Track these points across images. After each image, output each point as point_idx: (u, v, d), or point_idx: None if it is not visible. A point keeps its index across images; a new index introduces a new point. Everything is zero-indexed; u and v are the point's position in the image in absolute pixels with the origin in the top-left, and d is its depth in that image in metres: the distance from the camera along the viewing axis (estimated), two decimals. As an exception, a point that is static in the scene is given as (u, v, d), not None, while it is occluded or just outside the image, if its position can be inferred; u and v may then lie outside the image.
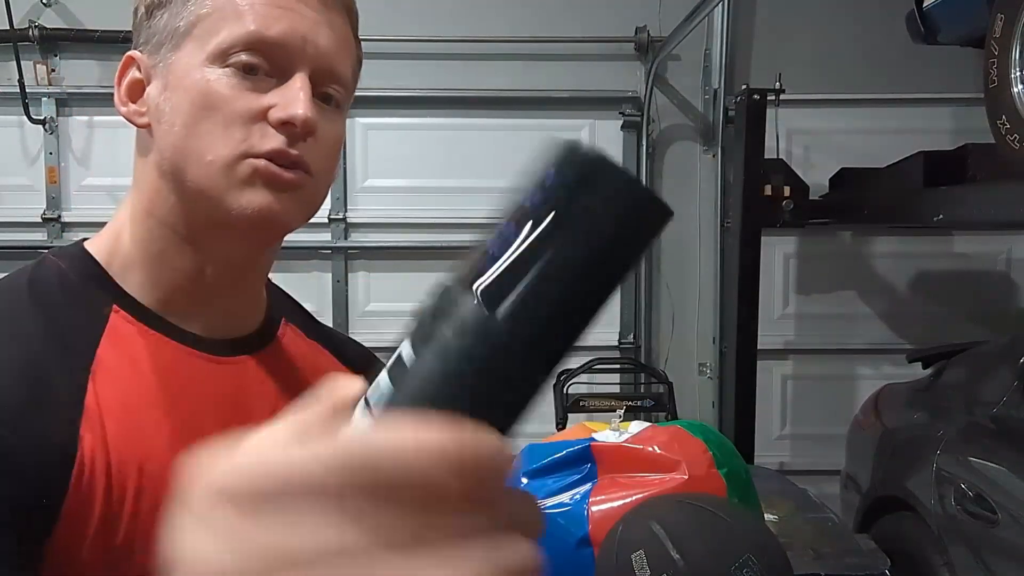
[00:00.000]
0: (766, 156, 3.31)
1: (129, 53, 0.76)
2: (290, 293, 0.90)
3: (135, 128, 0.76)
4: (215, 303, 0.77)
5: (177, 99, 0.72)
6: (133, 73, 0.76)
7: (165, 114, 0.73)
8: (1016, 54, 2.20)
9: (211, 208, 0.71)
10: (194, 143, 0.71)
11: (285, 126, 0.70)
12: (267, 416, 0.81)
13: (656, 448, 1.66)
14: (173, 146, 0.72)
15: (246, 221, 0.71)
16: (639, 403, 3.42)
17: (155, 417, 0.70)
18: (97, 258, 0.77)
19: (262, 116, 0.70)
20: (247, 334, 0.80)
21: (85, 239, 0.79)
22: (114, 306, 0.74)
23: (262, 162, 0.70)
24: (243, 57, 0.70)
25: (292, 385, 0.79)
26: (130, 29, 0.77)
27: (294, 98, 0.70)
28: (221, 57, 0.71)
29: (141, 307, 0.75)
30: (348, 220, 3.78)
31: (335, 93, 0.75)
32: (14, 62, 3.42)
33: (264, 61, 0.71)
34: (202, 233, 0.74)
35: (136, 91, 0.75)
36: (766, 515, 1.99)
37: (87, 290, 0.74)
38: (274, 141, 0.70)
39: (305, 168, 0.72)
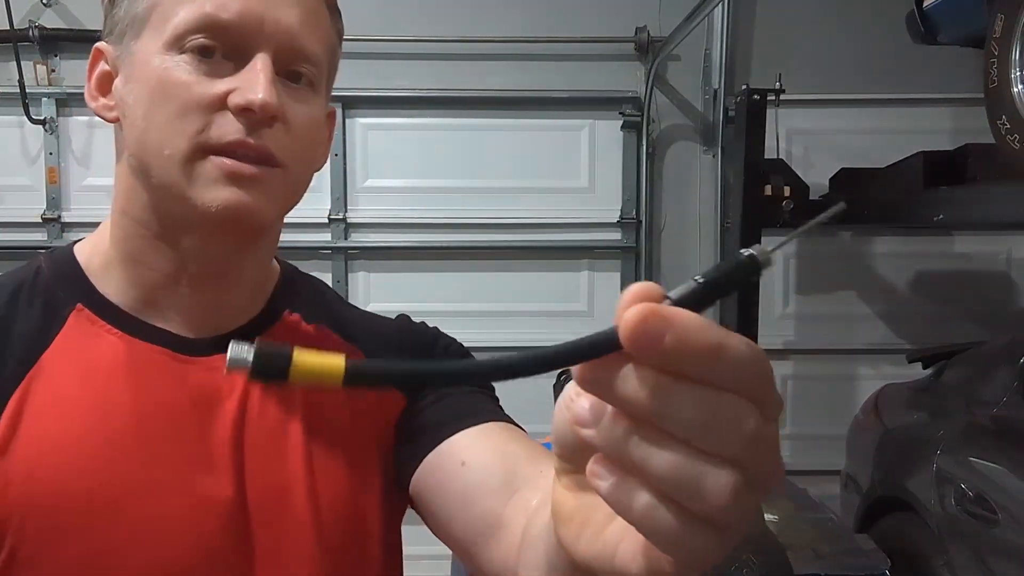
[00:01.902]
0: (766, 156, 3.30)
1: (97, 45, 0.73)
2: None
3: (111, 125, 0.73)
4: (196, 301, 0.74)
5: (137, 90, 0.69)
6: (102, 66, 0.73)
7: (128, 107, 0.70)
8: (1016, 54, 2.20)
9: (177, 204, 0.68)
10: (153, 136, 0.67)
11: (244, 112, 0.66)
12: (234, 413, 0.75)
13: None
14: (136, 141, 0.69)
15: (212, 218, 0.67)
16: (639, 403, 3.41)
17: (97, 416, 0.68)
18: (80, 259, 0.75)
19: (221, 103, 0.67)
20: (230, 331, 0.76)
21: (80, 240, 0.78)
22: (79, 305, 0.72)
23: (223, 160, 0.66)
24: (200, 41, 0.67)
25: None
26: None
27: (253, 81, 0.66)
28: (178, 43, 0.67)
29: (110, 306, 0.73)
30: (348, 220, 3.77)
31: (306, 71, 0.71)
32: (14, 62, 3.41)
33: (221, 44, 0.67)
34: (174, 231, 0.71)
35: (105, 84, 0.73)
36: (766, 515, 1.99)
37: (52, 290, 0.73)
38: (234, 131, 0.66)
39: (270, 159, 0.68)
